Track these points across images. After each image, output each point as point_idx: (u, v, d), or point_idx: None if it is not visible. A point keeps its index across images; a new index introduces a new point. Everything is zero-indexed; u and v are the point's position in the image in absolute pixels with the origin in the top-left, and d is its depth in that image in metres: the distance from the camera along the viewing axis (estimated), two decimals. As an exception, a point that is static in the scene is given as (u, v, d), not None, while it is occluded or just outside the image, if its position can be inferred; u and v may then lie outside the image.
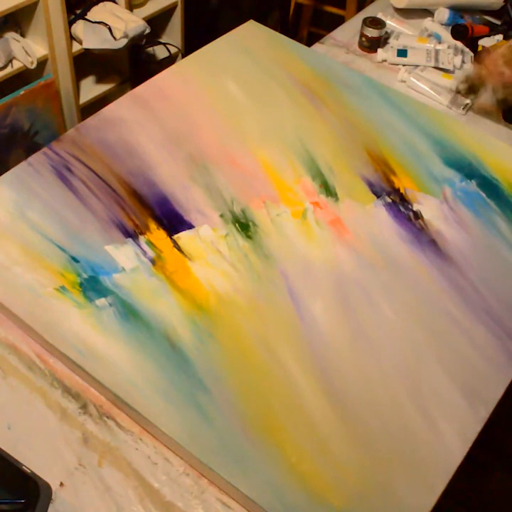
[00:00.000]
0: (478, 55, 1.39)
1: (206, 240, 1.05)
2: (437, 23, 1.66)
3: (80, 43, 2.01)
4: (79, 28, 1.99)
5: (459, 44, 1.59)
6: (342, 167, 1.19)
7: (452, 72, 1.53)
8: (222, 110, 1.28)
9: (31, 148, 1.98)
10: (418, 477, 0.82)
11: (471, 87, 1.39)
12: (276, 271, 1.02)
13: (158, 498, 0.81)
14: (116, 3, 2.09)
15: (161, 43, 2.34)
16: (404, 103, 1.32)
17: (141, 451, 0.85)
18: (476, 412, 0.89)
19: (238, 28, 1.48)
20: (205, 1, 2.54)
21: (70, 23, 1.98)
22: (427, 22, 1.66)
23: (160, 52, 2.36)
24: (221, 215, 1.09)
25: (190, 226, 1.07)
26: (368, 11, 1.74)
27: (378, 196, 1.15)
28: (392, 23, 1.67)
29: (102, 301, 0.96)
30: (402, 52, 1.58)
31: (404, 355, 0.94)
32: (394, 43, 1.61)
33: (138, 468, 0.83)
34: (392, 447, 0.85)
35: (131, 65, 2.25)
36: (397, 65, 1.57)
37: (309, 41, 2.52)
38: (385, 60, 1.59)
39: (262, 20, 1.53)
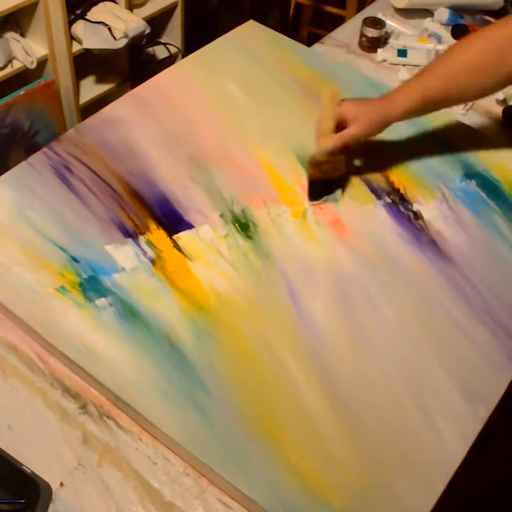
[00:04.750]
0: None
1: (206, 240, 1.05)
2: (437, 23, 1.66)
3: (80, 43, 2.01)
4: (79, 28, 1.99)
5: (459, 44, 1.59)
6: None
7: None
8: (222, 110, 1.28)
9: (31, 148, 1.98)
10: (418, 477, 0.82)
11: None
12: (276, 271, 1.02)
13: (158, 498, 0.81)
14: (116, 3, 2.10)
15: (161, 43, 2.34)
16: (404, 103, 1.32)
17: (141, 451, 0.85)
18: (476, 412, 0.88)
19: (238, 28, 1.48)
20: (205, 1, 2.54)
21: (70, 23, 1.98)
22: (427, 22, 1.66)
23: (160, 52, 2.36)
24: (221, 215, 1.09)
25: (190, 226, 1.07)
26: (368, 11, 1.74)
27: (378, 196, 1.15)
28: (392, 23, 1.67)
29: (102, 301, 0.96)
30: (402, 52, 1.58)
31: (404, 355, 0.94)
32: (394, 43, 1.61)
33: (138, 468, 0.83)
34: (392, 447, 0.85)
35: (131, 65, 2.26)
36: (397, 65, 1.57)
37: (309, 41, 2.52)
38: (385, 60, 1.59)
39: (262, 20, 1.53)
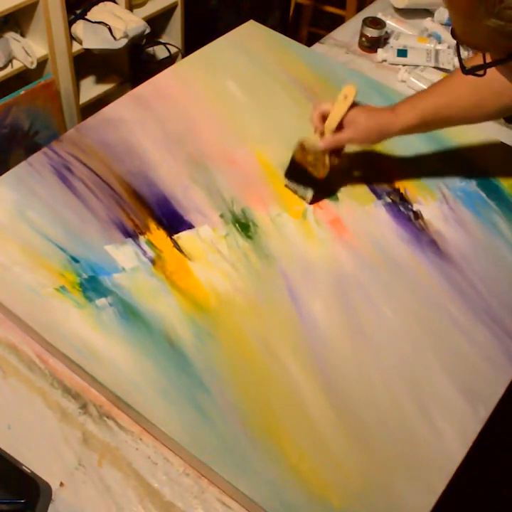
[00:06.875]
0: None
1: (206, 240, 1.05)
2: (437, 23, 1.66)
3: (80, 43, 2.01)
4: (79, 28, 1.99)
5: (459, 44, 1.58)
6: (341, 167, 1.19)
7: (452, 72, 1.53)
8: (222, 110, 1.28)
9: (31, 148, 1.98)
10: (418, 477, 0.82)
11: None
12: (276, 271, 1.02)
13: (158, 498, 0.81)
14: (116, 3, 2.10)
15: (161, 43, 2.34)
16: (404, 103, 1.32)
17: (141, 451, 0.85)
18: (476, 412, 0.89)
19: (238, 28, 1.48)
20: (205, 1, 2.54)
21: (70, 23, 1.98)
22: (427, 22, 1.66)
23: (160, 52, 2.36)
24: (221, 215, 1.09)
25: (190, 226, 1.07)
26: (368, 11, 1.74)
27: (378, 196, 1.15)
28: (392, 23, 1.67)
29: (102, 301, 0.96)
30: (402, 52, 1.58)
31: (404, 355, 0.94)
32: (394, 43, 1.61)
33: (138, 468, 0.83)
34: (392, 447, 0.85)
35: (131, 65, 2.26)
36: (397, 65, 1.57)
37: (309, 41, 2.52)
38: (385, 60, 1.59)
39: (262, 20, 1.53)
